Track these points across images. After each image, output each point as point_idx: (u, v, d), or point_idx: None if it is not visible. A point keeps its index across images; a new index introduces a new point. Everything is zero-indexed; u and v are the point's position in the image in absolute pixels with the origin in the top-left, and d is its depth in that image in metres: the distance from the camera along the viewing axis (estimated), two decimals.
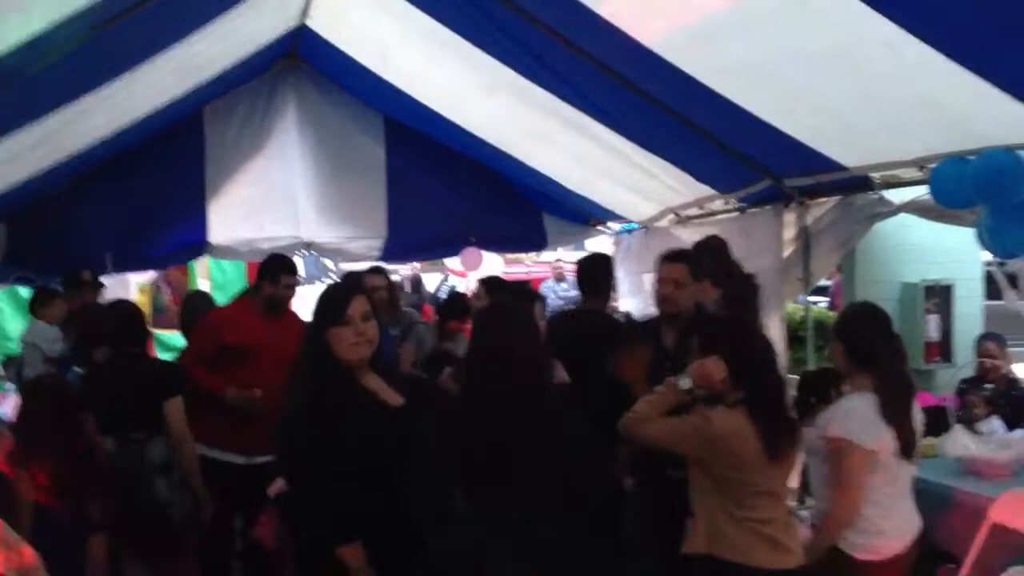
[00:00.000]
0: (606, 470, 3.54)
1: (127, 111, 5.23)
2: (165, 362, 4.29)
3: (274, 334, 4.57)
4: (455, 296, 7.01)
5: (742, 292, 4.05)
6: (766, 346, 3.17)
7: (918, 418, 3.30)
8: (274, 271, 4.87)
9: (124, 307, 4.82)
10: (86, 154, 5.62)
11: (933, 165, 3.64)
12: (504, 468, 2.84)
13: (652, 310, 5.59)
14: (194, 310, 6.25)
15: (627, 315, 5.91)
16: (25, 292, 7.33)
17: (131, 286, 8.27)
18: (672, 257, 4.03)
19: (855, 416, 3.19)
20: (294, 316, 4.91)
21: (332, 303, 2.90)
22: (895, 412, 3.17)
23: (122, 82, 4.43)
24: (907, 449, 3.19)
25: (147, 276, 8.38)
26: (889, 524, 3.19)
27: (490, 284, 5.04)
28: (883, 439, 3.14)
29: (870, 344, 3.25)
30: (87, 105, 4.44)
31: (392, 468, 2.80)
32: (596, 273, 4.74)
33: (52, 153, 5.10)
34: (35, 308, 6.37)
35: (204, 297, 7.22)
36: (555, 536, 2.83)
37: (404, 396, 2.94)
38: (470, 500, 2.93)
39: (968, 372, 5.86)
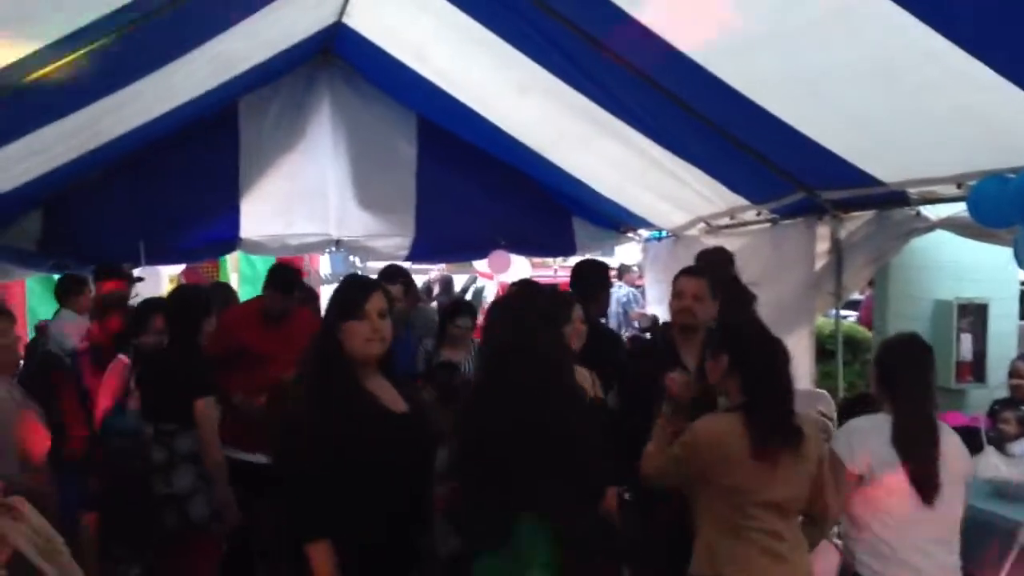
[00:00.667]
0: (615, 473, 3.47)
1: (164, 102, 5.27)
2: (206, 359, 4.18)
3: (278, 338, 4.62)
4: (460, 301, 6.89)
5: (737, 300, 4.00)
6: (772, 349, 3.04)
7: (954, 457, 3.16)
8: (270, 283, 4.93)
9: (182, 291, 4.82)
10: (122, 143, 5.67)
11: (972, 182, 3.58)
12: (524, 461, 2.81)
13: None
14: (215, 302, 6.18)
15: (654, 318, 5.87)
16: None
17: (163, 279, 8.32)
18: (693, 271, 3.99)
19: (854, 435, 3.19)
20: (305, 318, 4.94)
21: (350, 297, 2.85)
22: (909, 446, 3.09)
23: (160, 74, 4.47)
24: (924, 488, 3.06)
25: (178, 269, 8.42)
26: (908, 558, 3.10)
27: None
28: (885, 466, 3.09)
29: (895, 371, 3.21)
30: (125, 96, 4.49)
31: (389, 472, 2.77)
32: (589, 279, 4.77)
33: (88, 142, 5.16)
34: (63, 296, 6.21)
35: (226, 289, 7.19)
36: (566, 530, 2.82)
37: (409, 403, 2.89)
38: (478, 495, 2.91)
39: (1002, 393, 5.76)
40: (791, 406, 2.94)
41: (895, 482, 3.08)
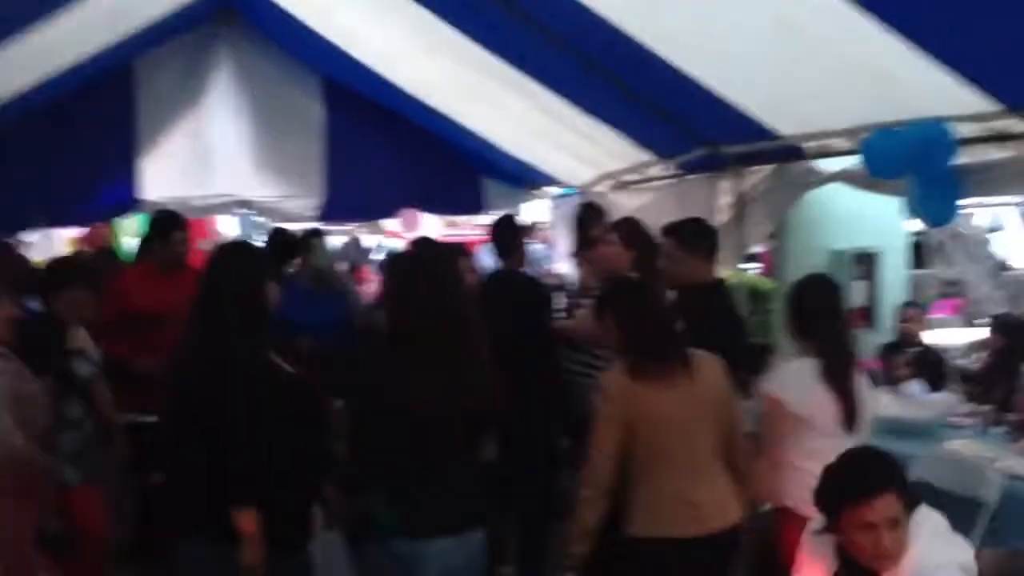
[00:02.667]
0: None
1: (54, 59, 5.06)
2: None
3: (176, 294, 4.52)
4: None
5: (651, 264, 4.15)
6: (643, 295, 3.27)
7: (864, 390, 3.35)
8: (165, 228, 4.82)
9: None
10: (12, 105, 5.42)
11: (864, 135, 3.74)
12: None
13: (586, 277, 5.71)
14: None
15: (559, 276, 6.00)
16: None
17: (57, 243, 8.03)
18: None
19: (791, 378, 3.30)
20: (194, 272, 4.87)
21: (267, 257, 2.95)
22: (835, 379, 3.24)
23: (48, 26, 4.28)
24: (850, 419, 3.23)
25: (75, 233, 8.14)
26: None
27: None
28: (819, 405, 3.23)
29: (814, 313, 3.34)
30: (11, 51, 4.29)
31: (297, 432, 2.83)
32: (504, 235, 4.90)
33: None
34: None
35: (107, 257, 7.01)
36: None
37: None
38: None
39: (888, 338, 6.08)
40: (672, 340, 3.10)
41: (826, 418, 3.22)
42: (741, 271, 5.70)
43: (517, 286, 4.72)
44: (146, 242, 5.36)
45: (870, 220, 6.07)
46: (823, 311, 3.35)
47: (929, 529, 2.27)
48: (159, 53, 6.47)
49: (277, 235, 6.49)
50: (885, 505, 2.21)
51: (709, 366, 3.15)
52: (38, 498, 3.19)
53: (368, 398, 2.90)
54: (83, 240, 8.82)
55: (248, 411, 2.77)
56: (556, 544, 4.28)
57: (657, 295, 3.32)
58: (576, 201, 7.10)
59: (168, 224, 4.97)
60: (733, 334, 3.84)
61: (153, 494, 4.43)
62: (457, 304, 2.91)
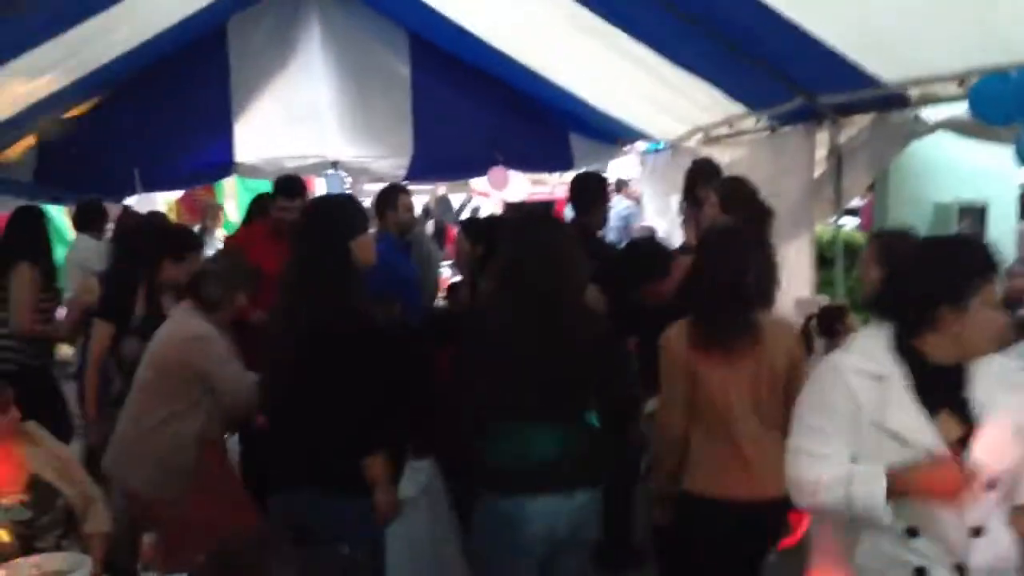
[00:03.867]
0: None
1: (150, 23, 5.18)
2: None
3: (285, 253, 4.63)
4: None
5: (755, 218, 4.01)
6: (725, 256, 3.09)
7: None
8: (277, 192, 4.96)
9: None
10: (111, 69, 5.59)
11: (973, 80, 3.54)
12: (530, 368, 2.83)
13: (678, 232, 5.59)
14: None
15: (651, 230, 5.87)
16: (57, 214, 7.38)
17: (159, 205, 8.31)
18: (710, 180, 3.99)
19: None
20: None
21: (358, 213, 3.02)
22: None
23: None
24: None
25: (175, 195, 8.40)
26: None
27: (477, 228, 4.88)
28: None
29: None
30: (109, 17, 4.40)
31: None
32: (587, 191, 4.71)
33: (77, 68, 5.09)
34: (82, 223, 6.37)
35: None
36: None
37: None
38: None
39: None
40: (735, 308, 2.96)
41: None
42: (837, 226, 5.51)
43: (594, 248, 4.34)
44: (258, 205, 5.48)
45: (977, 170, 5.80)
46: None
47: None
48: (250, 14, 6.58)
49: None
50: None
51: (780, 334, 3.04)
52: None
53: (476, 347, 2.92)
54: (183, 202, 9.13)
55: (351, 365, 2.83)
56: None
57: (751, 250, 3.17)
58: (668, 156, 6.99)
59: (277, 191, 5.06)
60: None
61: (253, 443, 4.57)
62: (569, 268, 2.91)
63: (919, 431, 2.19)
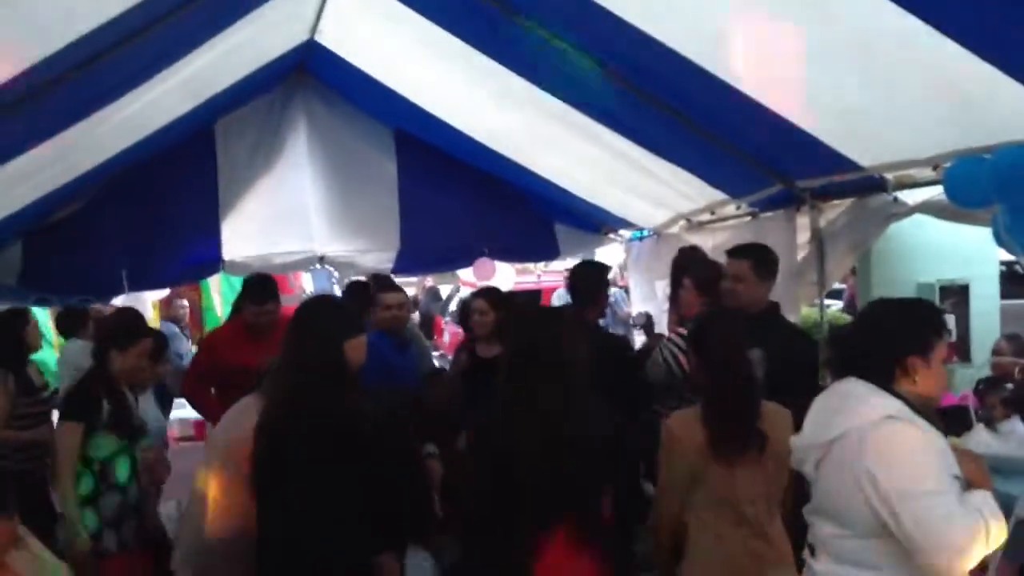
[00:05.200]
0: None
1: (138, 127, 5.26)
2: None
3: (262, 353, 4.60)
4: None
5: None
6: (733, 347, 3.13)
7: None
8: (243, 298, 4.91)
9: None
10: (98, 172, 5.65)
11: (947, 164, 3.62)
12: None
13: (664, 318, 5.62)
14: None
15: (648, 315, 5.87)
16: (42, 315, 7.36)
17: (147, 304, 8.30)
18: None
19: None
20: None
21: (350, 314, 3.02)
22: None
23: (132, 97, 4.45)
24: None
25: (162, 294, 8.39)
26: None
27: (494, 297, 5.01)
28: None
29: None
30: (97, 122, 4.47)
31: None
32: (588, 282, 4.65)
33: (64, 172, 5.13)
34: (68, 328, 6.36)
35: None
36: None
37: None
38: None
39: (986, 371, 5.83)
40: (748, 413, 2.99)
41: None
42: (820, 307, 5.54)
43: (600, 341, 4.45)
44: (239, 303, 5.50)
45: (958, 250, 5.88)
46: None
47: None
48: (237, 116, 6.67)
49: (354, 287, 6.56)
50: None
51: (780, 421, 3.05)
52: None
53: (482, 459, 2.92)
54: (166, 302, 9.12)
55: (342, 461, 2.79)
56: None
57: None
58: (652, 243, 7.07)
59: (248, 294, 5.06)
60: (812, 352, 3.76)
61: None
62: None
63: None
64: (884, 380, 2.35)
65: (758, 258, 3.96)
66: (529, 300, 4.37)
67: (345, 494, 2.79)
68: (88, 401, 4.06)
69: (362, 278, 7.06)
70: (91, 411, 4.03)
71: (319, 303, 3.60)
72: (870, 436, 2.24)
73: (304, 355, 2.95)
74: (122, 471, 4.05)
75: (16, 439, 4.96)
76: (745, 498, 2.95)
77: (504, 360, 3.02)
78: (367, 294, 5.75)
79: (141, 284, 6.76)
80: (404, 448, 3.15)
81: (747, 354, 3.15)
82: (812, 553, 2.42)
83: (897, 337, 2.40)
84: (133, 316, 4.72)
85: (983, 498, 2.27)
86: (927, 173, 3.87)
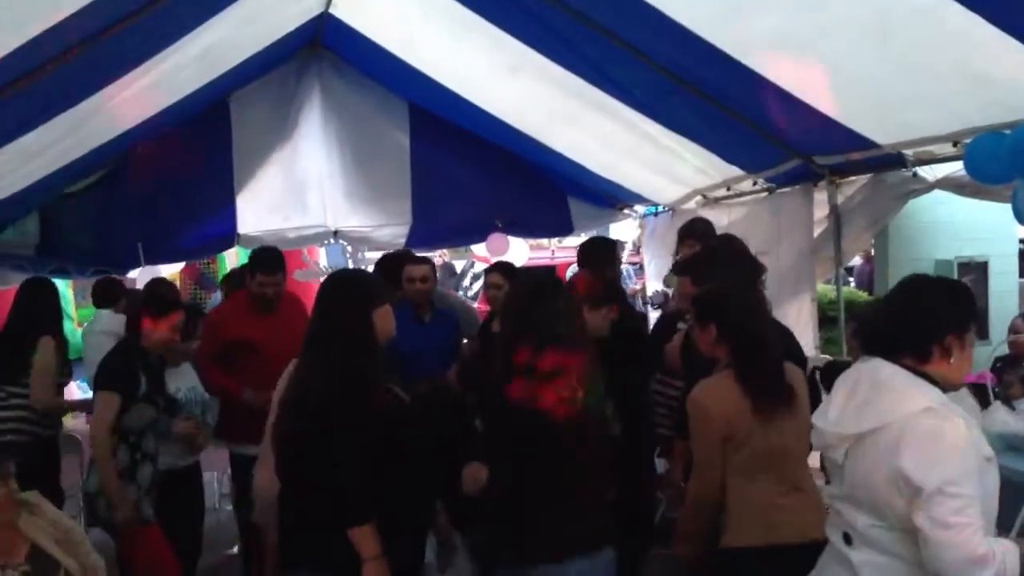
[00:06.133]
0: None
1: (154, 100, 5.25)
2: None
3: (268, 327, 4.62)
4: None
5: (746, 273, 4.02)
6: (756, 315, 3.15)
7: None
8: (251, 269, 4.89)
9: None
10: (114, 145, 5.65)
11: (968, 140, 3.58)
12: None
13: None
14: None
15: (665, 293, 5.81)
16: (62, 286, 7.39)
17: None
18: (678, 270, 4.03)
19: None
20: (292, 305, 4.93)
21: (378, 283, 3.05)
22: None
23: (147, 69, 4.45)
24: None
25: (177, 267, 8.42)
26: None
27: (506, 270, 4.99)
28: None
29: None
30: (113, 94, 4.47)
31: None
32: (598, 258, 4.62)
33: (80, 145, 5.14)
34: (104, 299, 6.39)
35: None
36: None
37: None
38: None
39: (1004, 349, 5.79)
40: (780, 367, 3.03)
41: None
42: (837, 283, 5.51)
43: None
44: (236, 278, 5.51)
45: (977, 228, 5.83)
46: None
47: None
48: (252, 89, 6.66)
49: (385, 260, 6.45)
50: None
51: (796, 376, 3.11)
52: None
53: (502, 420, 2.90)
54: (186, 274, 9.16)
55: (363, 436, 2.78)
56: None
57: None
58: (667, 218, 7.03)
59: (255, 265, 4.93)
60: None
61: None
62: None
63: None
64: (918, 360, 2.27)
65: (694, 273, 3.91)
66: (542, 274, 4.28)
67: (373, 463, 2.78)
68: (126, 373, 4.04)
69: (383, 252, 7.02)
70: (128, 383, 4.01)
71: (347, 274, 3.63)
72: (908, 434, 2.16)
73: (332, 322, 2.94)
74: (153, 443, 4.08)
75: (60, 406, 5.07)
76: (782, 454, 2.97)
77: (501, 335, 3.01)
78: (399, 268, 5.71)
79: (157, 257, 6.78)
80: (431, 428, 3.13)
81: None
82: (848, 542, 2.38)
83: (938, 313, 2.30)
84: (167, 287, 4.72)
85: (1010, 545, 2.18)
86: (947, 149, 3.83)
